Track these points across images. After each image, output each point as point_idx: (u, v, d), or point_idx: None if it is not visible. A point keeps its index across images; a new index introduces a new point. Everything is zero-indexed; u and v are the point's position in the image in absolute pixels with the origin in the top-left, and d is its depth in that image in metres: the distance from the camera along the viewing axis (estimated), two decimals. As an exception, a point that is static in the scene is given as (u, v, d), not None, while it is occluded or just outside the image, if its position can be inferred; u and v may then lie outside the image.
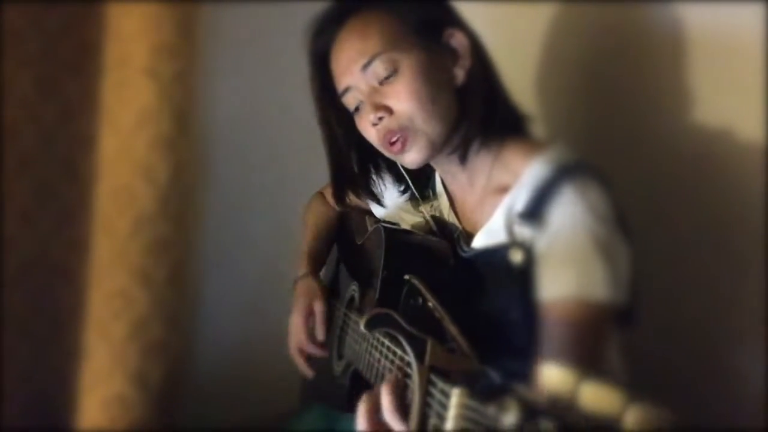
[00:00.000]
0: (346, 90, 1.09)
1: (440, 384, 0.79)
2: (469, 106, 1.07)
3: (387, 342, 0.98)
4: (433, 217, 1.18)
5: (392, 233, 1.15)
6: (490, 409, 0.65)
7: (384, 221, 1.30)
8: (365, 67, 1.05)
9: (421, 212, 1.20)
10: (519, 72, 1.12)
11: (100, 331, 1.33)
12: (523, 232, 0.98)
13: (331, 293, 1.37)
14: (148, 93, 1.31)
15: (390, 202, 1.28)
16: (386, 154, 1.10)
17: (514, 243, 0.98)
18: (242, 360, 1.66)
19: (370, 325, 0.88)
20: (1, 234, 1.28)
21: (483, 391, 0.70)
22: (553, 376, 0.58)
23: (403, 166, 1.19)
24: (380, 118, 1.05)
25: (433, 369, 0.82)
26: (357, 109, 1.10)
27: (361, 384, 1.07)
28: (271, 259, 1.72)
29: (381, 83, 1.05)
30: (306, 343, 1.28)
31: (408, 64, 1.04)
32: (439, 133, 1.05)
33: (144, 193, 1.33)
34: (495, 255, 1.01)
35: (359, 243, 1.29)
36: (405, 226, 1.24)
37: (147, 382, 1.34)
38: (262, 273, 1.74)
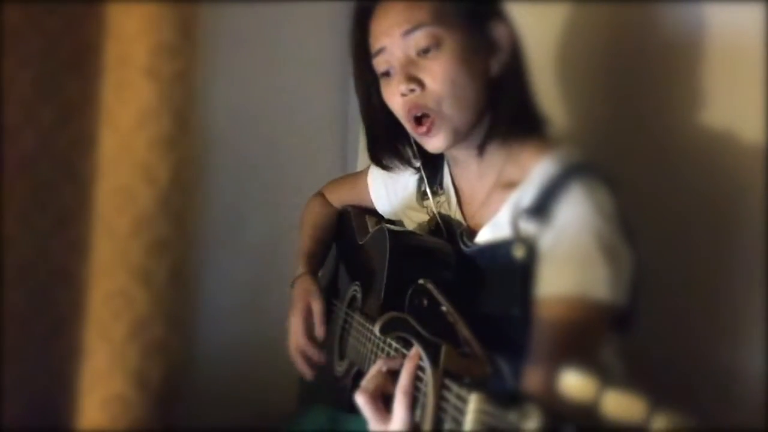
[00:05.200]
0: (380, 51, 1.06)
1: (455, 388, 0.79)
2: (499, 101, 1.06)
3: (395, 344, 0.98)
4: (438, 213, 1.18)
5: (396, 235, 1.15)
6: (511, 415, 0.65)
7: (388, 221, 1.31)
8: (407, 33, 1.03)
9: (426, 207, 1.21)
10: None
11: (100, 331, 1.32)
12: (528, 228, 0.98)
13: (331, 292, 1.37)
14: (148, 93, 1.30)
15: (397, 198, 1.28)
16: (408, 129, 1.08)
17: (517, 238, 0.99)
18: (242, 360, 1.66)
19: (385, 330, 0.87)
20: (1, 234, 1.27)
21: (500, 397, 0.70)
22: (574, 382, 0.58)
23: (418, 148, 1.17)
24: (411, 90, 1.03)
25: (447, 373, 0.82)
26: (385, 74, 1.08)
27: None
28: (271, 259, 1.72)
29: (418, 54, 1.03)
30: (305, 345, 1.27)
31: (450, 44, 1.02)
32: (465, 122, 1.05)
33: (144, 193, 1.32)
34: (498, 250, 1.02)
35: (361, 243, 1.30)
36: (410, 224, 1.24)
37: (147, 382, 1.33)
38: (261, 273, 1.74)
